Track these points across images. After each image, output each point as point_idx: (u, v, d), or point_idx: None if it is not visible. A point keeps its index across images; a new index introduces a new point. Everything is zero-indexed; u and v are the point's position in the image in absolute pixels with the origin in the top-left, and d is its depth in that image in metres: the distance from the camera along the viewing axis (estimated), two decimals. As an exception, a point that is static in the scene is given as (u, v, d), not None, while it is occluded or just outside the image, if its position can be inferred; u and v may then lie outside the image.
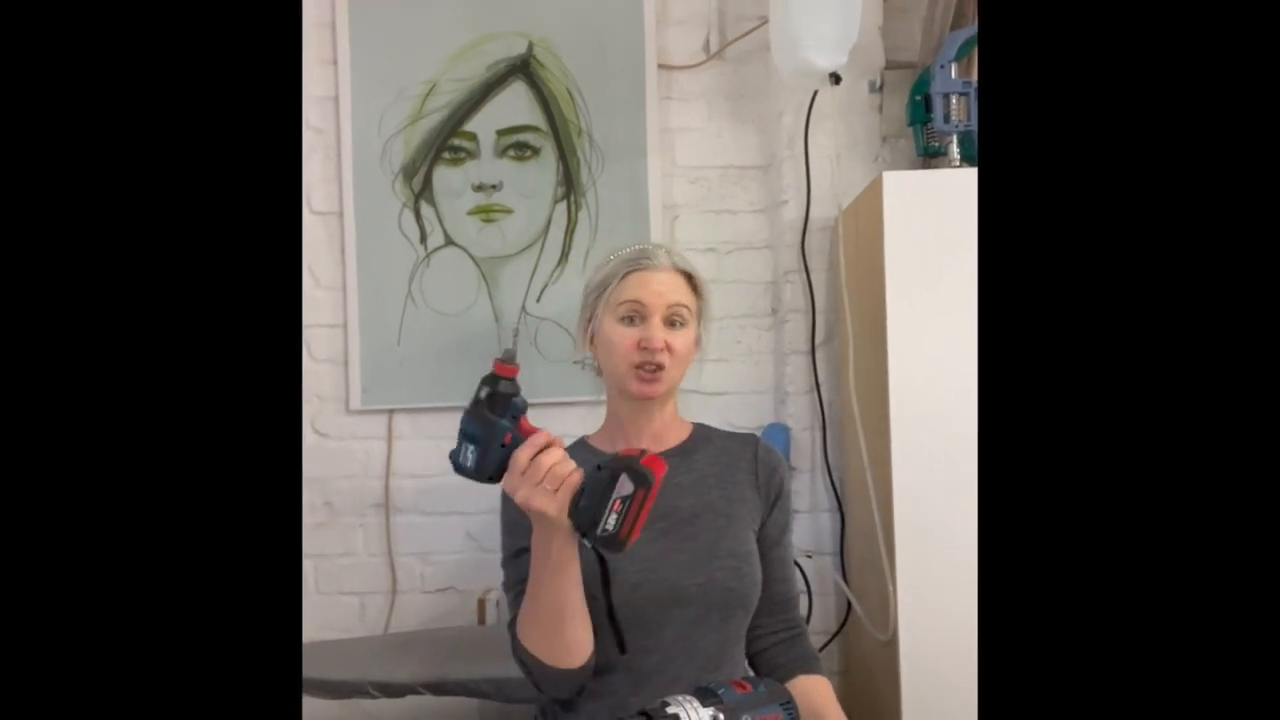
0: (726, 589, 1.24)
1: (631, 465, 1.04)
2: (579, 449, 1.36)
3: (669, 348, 1.27)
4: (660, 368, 1.27)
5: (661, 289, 1.28)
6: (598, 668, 1.23)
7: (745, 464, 1.35)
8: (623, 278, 1.30)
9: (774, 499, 1.34)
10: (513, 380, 1.06)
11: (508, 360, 1.06)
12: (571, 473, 1.05)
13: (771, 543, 1.33)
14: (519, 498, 1.04)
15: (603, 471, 1.05)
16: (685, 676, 1.21)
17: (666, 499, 1.28)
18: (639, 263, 1.30)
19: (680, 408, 1.39)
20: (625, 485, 1.04)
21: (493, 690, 1.62)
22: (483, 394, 1.06)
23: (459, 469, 1.08)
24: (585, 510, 1.04)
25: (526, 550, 1.19)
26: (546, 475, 1.04)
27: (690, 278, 1.33)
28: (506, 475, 1.06)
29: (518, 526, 1.26)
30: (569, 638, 1.15)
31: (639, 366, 1.27)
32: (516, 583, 1.25)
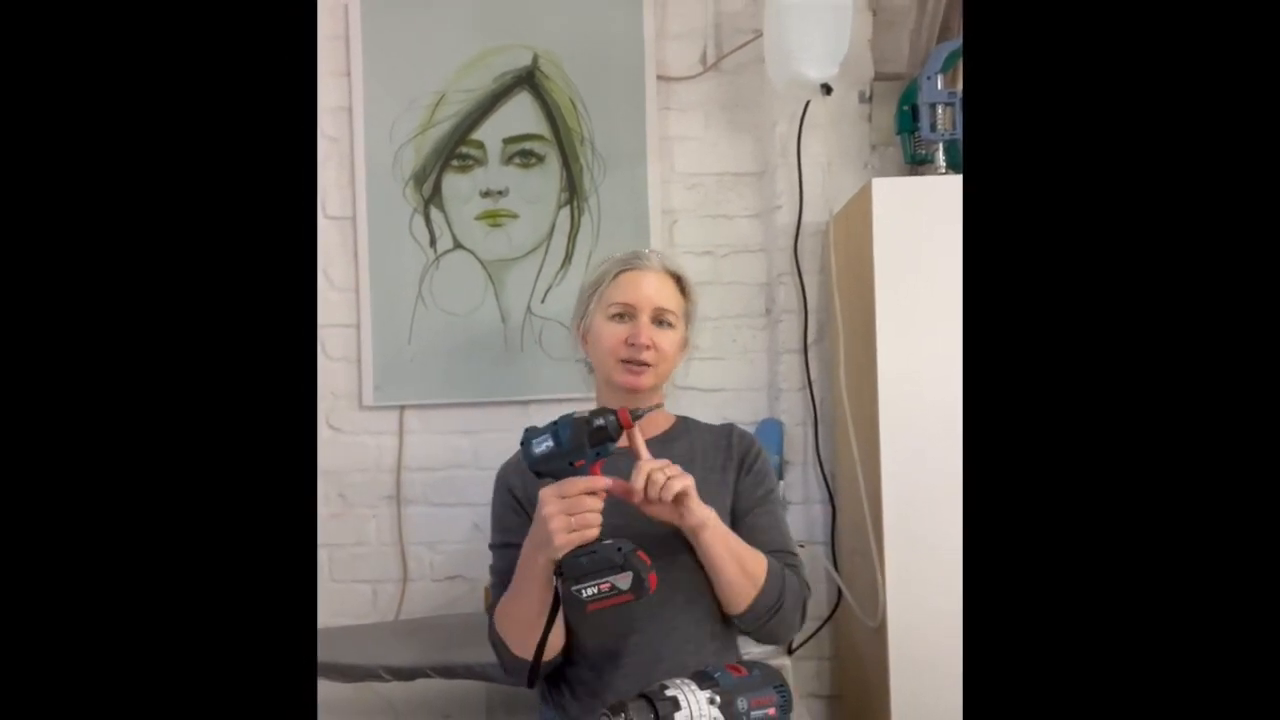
0: (697, 567, 1.24)
1: (640, 573, 1.05)
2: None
3: (655, 346, 1.28)
4: (646, 364, 1.28)
5: (650, 291, 1.30)
6: (579, 648, 1.25)
7: (720, 449, 1.36)
8: (615, 277, 1.32)
9: (746, 466, 1.34)
10: (621, 431, 1.08)
11: (635, 416, 1.08)
12: (594, 527, 1.06)
13: (749, 506, 1.32)
14: (545, 511, 1.06)
15: (620, 555, 1.06)
16: (665, 656, 1.21)
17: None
18: (631, 263, 1.32)
19: (679, 404, 1.39)
20: (624, 580, 1.05)
21: (499, 674, 1.61)
22: (595, 421, 1.07)
23: (524, 445, 1.10)
24: (579, 565, 1.06)
25: (510, 545, 1.24)
26: (580, 515, 1.05)
27: (679, 280, 1.34)
28: (552, 487, 1.08)
29: (503, 522, 1.32)
30: (540, 639, 1.15)
31: (625, 361, 1.28)
32: (499, 573, 1.29)
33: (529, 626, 1.14)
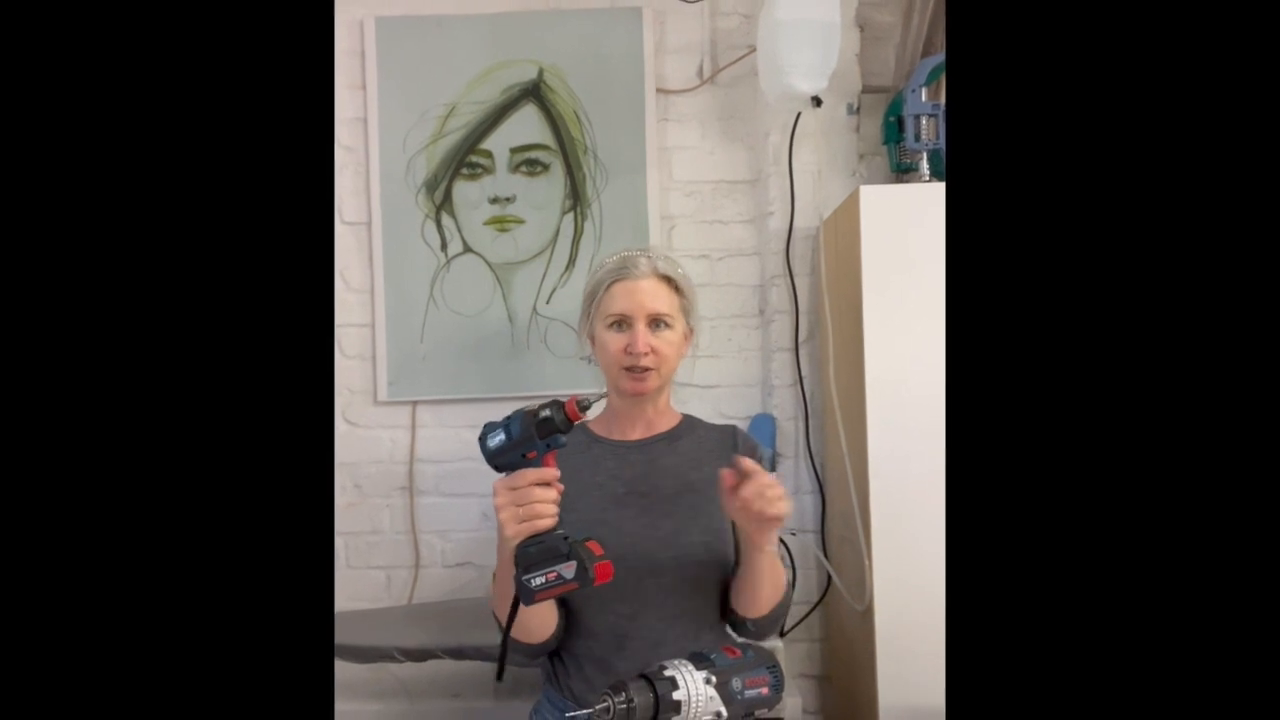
0: (698, 562, 1.25)
1: (585, 562, 1.02)
2: (578, 431, 1.35)
3: (653, 350, 1.26)
4: (647, 369, 1.26)
5: (642, 299, 1.27)
6: (585, 632, 1.24)
7: (726, 450, 1.33)
8: (608, 288, 1.29)
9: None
10: (570, 423, 1.03)
11: (581, 407, 1.03)
12: (546, 517, 1.03)
13: None
14: (497, 502, 1.04)
15: (566, 544, 1.03)
16: (666, 640, 1.21)
17: (652, 479, 1.30)
18: (621, 273, 1.29)
19: (676, 400, 1.39)
20: (569, 570, 1.02)
21: (507, 655, 1.62)
22: (542, 413, 1.03)
23: (481, 441, 1.07)
24: (528, 555, 1.03)
25: None
26: (528, 505, 1.03)
27: (670, 280, 1.30)
28: (503, 479, 1.06)
29: None
30: (524, 622, 1.15)
31: (628, 369, 1.26)
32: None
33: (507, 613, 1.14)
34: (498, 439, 1.05)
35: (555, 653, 1.30)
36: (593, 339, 1.34)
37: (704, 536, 1.26)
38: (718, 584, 1.29)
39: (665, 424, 1.36)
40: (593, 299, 1.32)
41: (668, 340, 1.28)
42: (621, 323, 1.28)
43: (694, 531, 1.26)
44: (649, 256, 1.31)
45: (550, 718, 1.29)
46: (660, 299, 1.28)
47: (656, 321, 1.28)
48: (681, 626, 1.24)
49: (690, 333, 1.34)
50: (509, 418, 1.06)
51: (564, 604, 1.25)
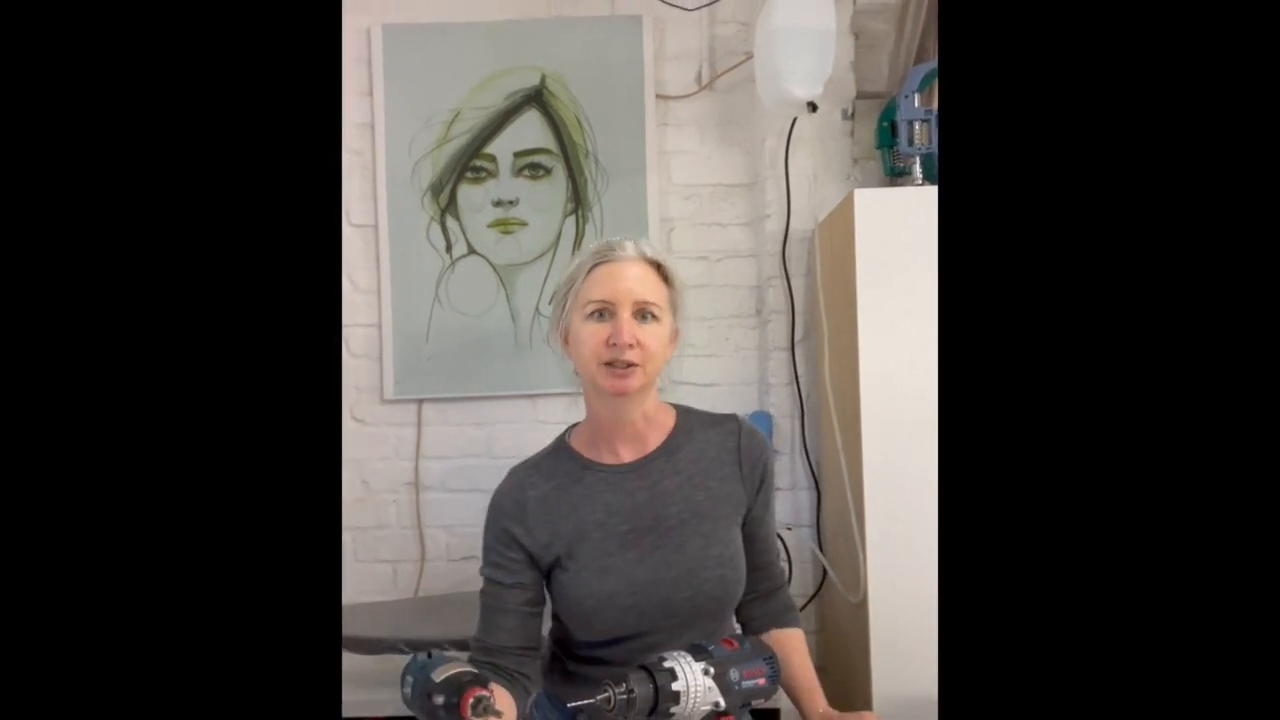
0: (713, 598, 1.15)
1: None
2: (564, 458, 1.21)
3: (639, 344, 1.09)
4: (631, 365, 1.09)
5: (629, 284, 1.10)
6: (593, 659, 1.18)
7: (729, 455, 1.19)
8: (589, 272, 1.12)
9: (759, 484, 1.20)
10: (459, 716, 0.87)
11: (475, 710, 0.87)
12: None
13: (757, 522, 1.21)
14: None
15: None
16: None
17: (655, 507, 1.16)
18: (605, 255, 1.12)
19: (674, 399, 1.29)
20: None
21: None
22: (436, 696, 0.88)
23: (402, 677, 0.95)
24: None
25: (498, 583, 1.16)
26: None
27: (660, 267, 1.14)
28: None
29: (491, 555, 1.19)
30: None
31: (609, 364, 1.10)
32: (483, 606, 1.19)
33: None
34: (406, 688, 0.91)
35: (559, 661, 1.24)
36: (566, 338, 1.16)
37: (719, 569, 1.15)
38: (732, 608, 1.21)
39: (658, 434, 1.19)
40: (570, 286, 1.14)
41: (654, 334, 1.11)
42: (603, 311, 1.10)
43: (708, 565, 1.14)
44: (636, 242, 1.15)
45: (550, 714, 1.27)
46: (648, 286, 1.12)
47: (643, 312, 1.10)
48: None
49: (677, 334, 1.17)
50: (421, 663, 0.91)
51: (567, 625, 1.18)
